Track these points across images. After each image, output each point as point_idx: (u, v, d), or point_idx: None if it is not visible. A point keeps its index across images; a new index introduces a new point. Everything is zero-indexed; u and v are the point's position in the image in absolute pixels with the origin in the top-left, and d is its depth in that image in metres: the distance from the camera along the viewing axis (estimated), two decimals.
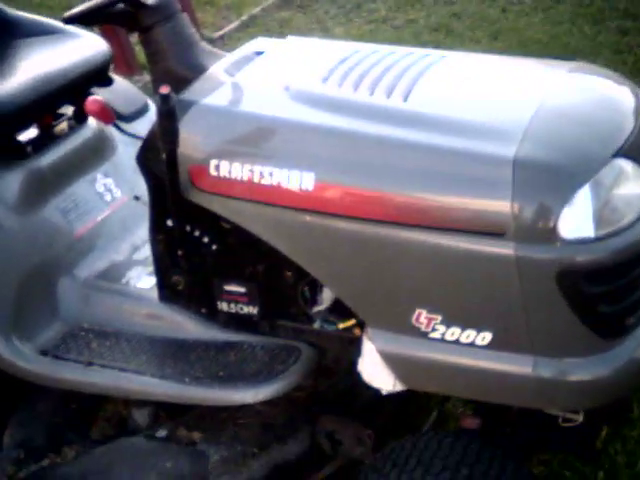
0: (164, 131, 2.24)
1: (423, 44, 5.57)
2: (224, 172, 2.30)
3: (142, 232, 2.86)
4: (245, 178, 2.27)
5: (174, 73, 2.46)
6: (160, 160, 2.34)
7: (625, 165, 2.12)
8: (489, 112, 2.22)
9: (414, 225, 2.13)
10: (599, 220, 2.05)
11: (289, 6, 6.33)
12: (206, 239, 2.47)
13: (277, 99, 2.34)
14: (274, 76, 2.44)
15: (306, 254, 2.30)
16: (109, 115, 2.57)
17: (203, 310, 2.59)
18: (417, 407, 2.59)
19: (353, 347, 2.41)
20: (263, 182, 2.25)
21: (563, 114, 2.20)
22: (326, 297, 2.44)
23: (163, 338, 2.59)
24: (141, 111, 3.10)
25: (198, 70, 2.47)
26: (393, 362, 2.27)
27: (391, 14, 6.17)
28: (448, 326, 2.17)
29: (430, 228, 2.12)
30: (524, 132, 2.10)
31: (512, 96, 2.28)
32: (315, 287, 2.44)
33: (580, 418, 2.23)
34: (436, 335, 2.19)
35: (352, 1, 6.41)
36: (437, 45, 5.54)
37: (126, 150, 2.99)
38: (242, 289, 2.50)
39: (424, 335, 2.20)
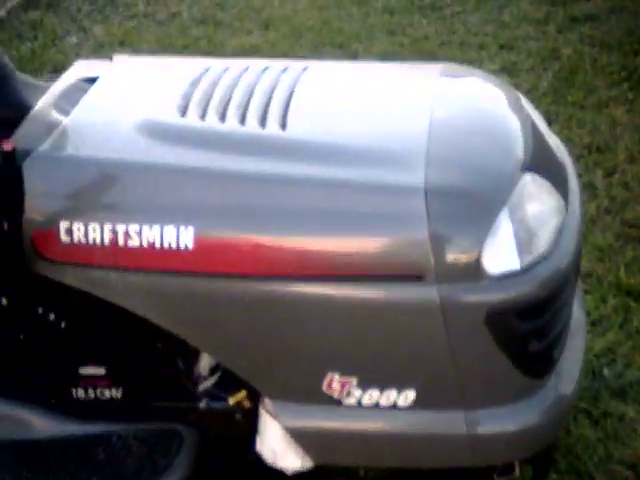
0: (8, 197, 1.81)
1: (195, 39, 5.23)
2: (78, 236, 1.89)
3: None
4: (106, 241, 1.88)
5: None
6: None
7: (532, 180, 1.93)
8: (380, 134, 1.96)
9: (316, 277, 1.84)
10: (521, 248, 1.85)
11: (36, 6, 5.75)
12: (52, 316, 2.05)
13: (131, 139, 1.96)
14: (119, 110, 2.06)
15: (189, 324, 1.95)
16: None
17: (53, 401, 2.15)
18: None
19: (245, 422, 2.09)
20: (130, 244, 1.88)
21: (459, 128, 1.99)
22: (204, 368, 2.09)
23: (9, 442, 2.14)
24: None
25: (21, 108, 2.04)
26: (302, 438, 1.98)
27: (150, 8, 5.72)
28: (365, 389, 1.90)
29: (335, 278, 1.84)
30: (426, 155, 1.86)
31: (397, 112, 2.04)
32: (192, 359, 2.08)
33: (517, 470, 2.02)
34: (351, 401, 1.92)
35: None
36: (209, 39, 5.21)
37: None
38: (101, 371, 2.10)
39: (337, 402, 1.92)
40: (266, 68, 2.14)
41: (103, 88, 2.13)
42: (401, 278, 1.82)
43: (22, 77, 2.13)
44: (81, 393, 2.13)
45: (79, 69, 2.23)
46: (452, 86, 2.16)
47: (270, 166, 1.87)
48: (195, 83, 2.08)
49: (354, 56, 4.93)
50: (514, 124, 2.04)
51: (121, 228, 1.86)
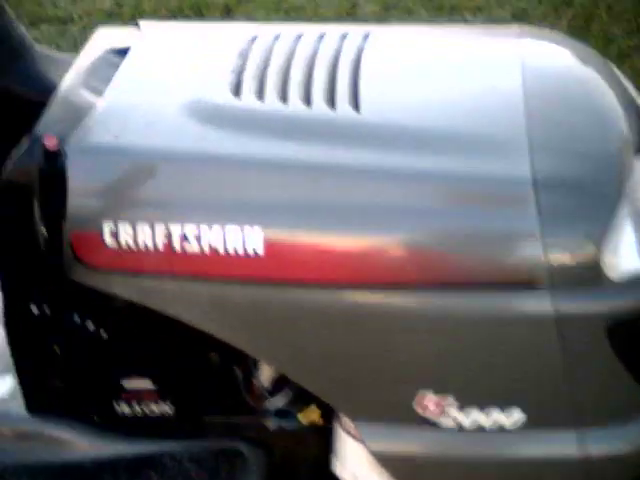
0: (49, 199, 1.54)
1: None
2: (125, 239, 1.62)
3: None
4: (159, 245, 1.61)
5: (11, 94, 1.76)
6: (20, 230, 1.65)
7: None
8: (469, 114, 1.67)
9: (410, 285, 1.58)
10: None
11: None
12: (92, 326, 1.79)
13: (180, 123, 1.67)
14: (160, 88, 1.76)
15: (258, 339, 1.69)
16: None
17: (95, 418, 1.90)
18: None
19: (315, 440, 1.85)
20: (187, 249, 1.60)
21: (559, 105, 1.71)
22: (266, 380, 1.84)
23: (48, 465, 1.89)
24: None
25: (43, 87, 1.76)
26: (391, 462, 1.72)
27: None
28: (463, 409, 1.65)
29: (429, 287, 1.57)
30: (528, 138, 1.58)
31: (484, 87, 1.74)
32: (252, 370, 1.83)
33: None
34: (448, 422, 1.67)
35: None
36: None
37: None
38: (149, 385, 1.84)
39: (432, 424, 1.67)
40: (322, 35, 1.85)
41: (137, 61, 1.83)
42: (508, 286, 1.56)
43: (41, 50, 1.85)
44: (125, 408, 1.88)
45: (102, 39, 1.93)
46: (539, 54, 1.87)
47: (346, 155, 1.59)
48: (244, 55, 1.80)
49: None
50: (616, 99, 1.76)
51: (176, 230, 1.59)
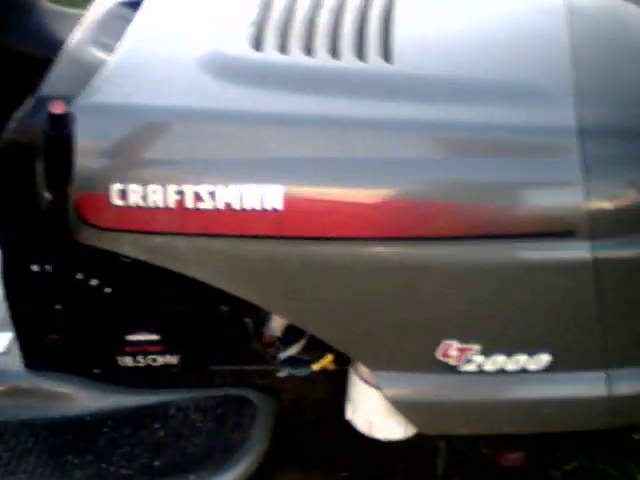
0: (53, 164, 1.46)
1: None
2: (135, 199, 1.55)
3: None
4: (171, 204, 1.55)
5: (14, 52, 1.67)
6: (21, 191, 1.59)
7: None
8: (511, 62, 1.62)
9: (438, 237, 1.54)
10: None
11: None
12: (95, 282, 1.73)
13: (196, 80, 1.59)
14: (175, 43, 1.67)
15: (271, 293, 1.65)
16: None
17: (96, 371, 1.86)
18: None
19: (326, 385, 1.84)
20: (201, 207, 1.54)
21: (608, 49, 1.66)
22: (275, 328, 1.80)
23: (47, 421, 1.84)
24: None
25: (51, 43, 1.68)
26: (410, 409, 1.71)
27: None
28: (488, 355, 1.64)
29: (464, 238, 1.54)
30: (574, 86, 1.54)
31: (527, 32, 1.69)
32: (261, 319, 1.80)
33: None
34: (471, 368, 1.65)
35: None
36: None
37: None
38: (154, 336, 1.80)
39: (453, 369, 1.65)
40: None
41: (150, 14, 1.72)
42: (546, 235, 1.54)
43: (48, 5, 1.73)
44: (128, 360, 1.84)
45: None
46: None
47: (376, 109, 1.53)
48: (266, 6, 1.70)
49: None
50: None
51: (189, 189, 1.53)
